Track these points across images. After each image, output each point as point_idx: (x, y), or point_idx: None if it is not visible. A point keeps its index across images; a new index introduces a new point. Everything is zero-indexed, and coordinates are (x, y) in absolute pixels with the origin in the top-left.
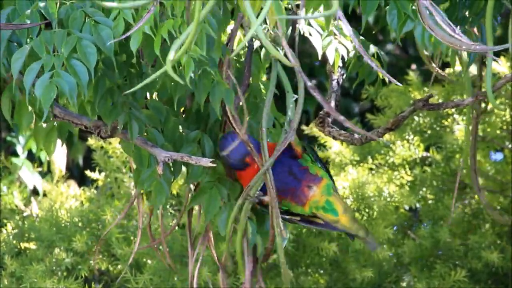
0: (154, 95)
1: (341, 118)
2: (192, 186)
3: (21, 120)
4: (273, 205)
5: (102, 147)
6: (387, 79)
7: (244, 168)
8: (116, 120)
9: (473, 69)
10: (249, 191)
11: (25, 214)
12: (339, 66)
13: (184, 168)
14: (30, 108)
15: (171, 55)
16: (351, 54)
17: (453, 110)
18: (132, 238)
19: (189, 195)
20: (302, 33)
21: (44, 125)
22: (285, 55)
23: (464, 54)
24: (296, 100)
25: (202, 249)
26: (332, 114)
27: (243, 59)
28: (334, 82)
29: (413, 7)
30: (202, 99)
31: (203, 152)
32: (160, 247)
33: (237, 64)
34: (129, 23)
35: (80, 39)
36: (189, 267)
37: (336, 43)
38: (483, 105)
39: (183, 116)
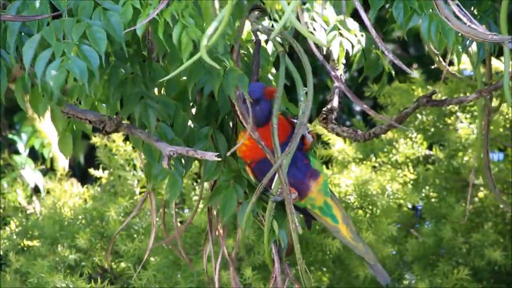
0: (162, 91)
1: (365, 106)
2: (207, 185)
3: (38, 107)
4: (287, 200)
5: (106, 145)
6: (393, 72)
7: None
8: (130, 112)
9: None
10: (269, 190)
11: (28, 211)
12: (342, 63)
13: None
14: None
15: (205, 41)
16: (356, 48)
17: (456, 108)
18: (135, 235)
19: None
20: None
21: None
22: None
23: (474, 51)
24: (305, 93)
25: (223, 243)
26: (357, 102)
27: (251, 51)
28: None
29: (419, 2)
30: (216, 86)
31: (217, 148)
32: (164, 245)
33: (245, 58)
34: (137, 9)
35: (90, 26)
36: (212, 263)
37: (341, 38)
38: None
39: (193, 111)
